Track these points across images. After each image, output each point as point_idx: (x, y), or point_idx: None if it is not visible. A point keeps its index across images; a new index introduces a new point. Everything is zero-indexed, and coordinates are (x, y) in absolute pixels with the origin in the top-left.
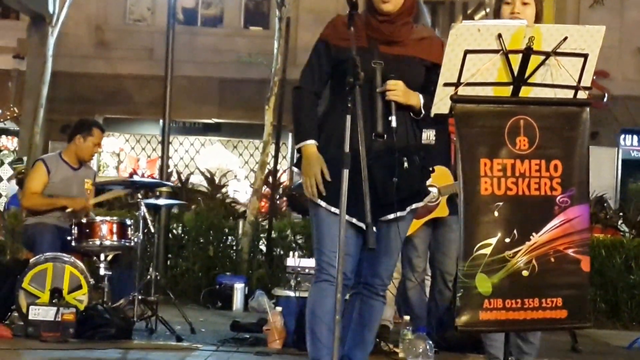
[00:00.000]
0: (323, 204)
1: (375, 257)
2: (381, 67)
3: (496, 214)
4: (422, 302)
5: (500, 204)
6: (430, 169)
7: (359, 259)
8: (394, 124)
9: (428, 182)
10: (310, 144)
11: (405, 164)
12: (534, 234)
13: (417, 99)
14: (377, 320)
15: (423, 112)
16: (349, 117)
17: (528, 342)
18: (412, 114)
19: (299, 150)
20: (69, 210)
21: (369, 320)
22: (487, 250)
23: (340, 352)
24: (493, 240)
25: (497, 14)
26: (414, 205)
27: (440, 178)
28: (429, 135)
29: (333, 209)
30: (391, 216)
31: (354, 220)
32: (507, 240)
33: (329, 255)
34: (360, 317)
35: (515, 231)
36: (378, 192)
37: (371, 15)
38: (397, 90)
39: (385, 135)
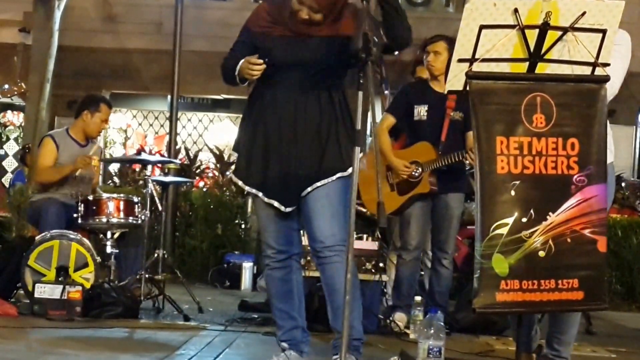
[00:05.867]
0: (240, 182)
1: (308, 224)
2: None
3: (513, 193)
4: (411, 280)
5: (517, 182)
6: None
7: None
8: None
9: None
10: (240, 63)
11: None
12: (550, 213)
13: None
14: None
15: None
16: (360, 94)
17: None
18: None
19: (242, 80)
20: (78, 173)
21: (334, 285)
22: (504, 230)
23: (301, 320)
24: (510, 220)
25: None
26: (339, 174)
27: (423, 154)
28: (419, 111)
29: (252, 190)
30: (309, 189)
31: (275, 204)
32: (524, 220)
33: (272, 236)
34: (326, 285)
35: (531, 211)
36: (302, 166)
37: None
38: None
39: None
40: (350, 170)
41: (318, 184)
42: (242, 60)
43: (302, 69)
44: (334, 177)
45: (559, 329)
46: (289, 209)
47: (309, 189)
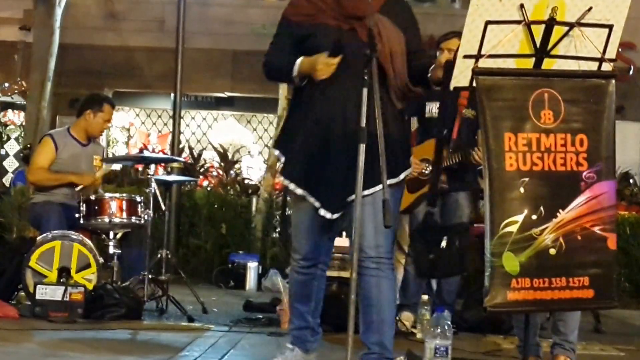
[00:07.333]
0: (292, 186)
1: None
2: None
3: (522, 190)
4: (420, 279)
5: (526, 179)
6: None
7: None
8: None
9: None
10: (298, 61)
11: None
12: (560, 210)
13: None
14: (383, 299)
15: None
16: (365, 90)
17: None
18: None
19: (301, 78)
20: (78, 188)
21: (370, 299)
22: (514, 228)
23: (312, 322)
24: (520, 218)
25: None
26: (388, 182)
27: (433, 151)
28: (431, 108)
29: (305, 194)
30: (366, 192)
31: (322, 211)
32: (534, 217)
33: (299, 243)
34: (362, 297)
35: (541, 208)
36: (351, 170)
37: None
38: None
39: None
40: (402, 176)
41: (366, 192)
42: (307, 59)
43: (350, 61)
44: (377, 188)
45: (563, 313)
46: (335, 216)
47: (365, 192)
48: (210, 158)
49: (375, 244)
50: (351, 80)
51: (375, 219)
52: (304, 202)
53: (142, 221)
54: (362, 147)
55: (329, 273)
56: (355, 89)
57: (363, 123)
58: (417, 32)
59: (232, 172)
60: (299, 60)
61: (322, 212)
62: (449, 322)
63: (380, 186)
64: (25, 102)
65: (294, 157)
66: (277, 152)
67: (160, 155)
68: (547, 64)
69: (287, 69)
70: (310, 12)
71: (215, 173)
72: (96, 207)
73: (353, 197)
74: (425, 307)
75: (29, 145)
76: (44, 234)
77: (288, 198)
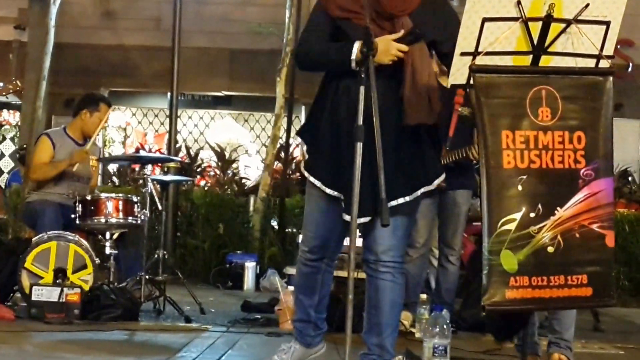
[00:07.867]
0: (318, 183)
1: (367, 230)
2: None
3: (520, 188)
4: (418, 278)
5: (524, 177)
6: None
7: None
8: None
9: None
10: (357, 44)
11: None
12: (558, 208)
13: None
14: (389, 302)
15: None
16: (362, 89)
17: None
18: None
19: (358, 62)
20: (75, 168)
21: (376, 301)
22: (512, 226)
23: (314, 317)
24: (517, 216)
25: None
26: (423, 189)
27: None
28: None
29: (329, 191)
30: (401, 200)
31: (346, 217)
32: (532, 215)
33: (307, 235)
34: (369, 298)
35: (539, 206)
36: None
37: None
38: None
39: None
40: (436, 182)
41: (398, 200)
42: (372, 42)
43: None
44: (418, 193)
45: (558, 311)
46: (363, 220)
47: (400, 200)
48: (208, 157)
49: (388, 247)
50: (380, 74)
51: (394, 221)
52: (320, 197)
53: (139, 221)
54: (359, 146)
55: None
56: (382, 83)
57: (360, 121)
58: (457, 31)
59: (229, 171)
60: (357, 43)
61: (347, 217)
62: (448, 321)
63: (418, 193)
64: (20, 102)
65: (320, 154)
66: (299, 140)
67: (157, 155)
68: (545, 61)
69: (343, 52)
70: (348, 7)
71: (212, 172)
72: (92, 208)
73: (393, 203)
74: (424, 306)
75: (24, 146)
76: (40, 235)
77: (287, 198)
